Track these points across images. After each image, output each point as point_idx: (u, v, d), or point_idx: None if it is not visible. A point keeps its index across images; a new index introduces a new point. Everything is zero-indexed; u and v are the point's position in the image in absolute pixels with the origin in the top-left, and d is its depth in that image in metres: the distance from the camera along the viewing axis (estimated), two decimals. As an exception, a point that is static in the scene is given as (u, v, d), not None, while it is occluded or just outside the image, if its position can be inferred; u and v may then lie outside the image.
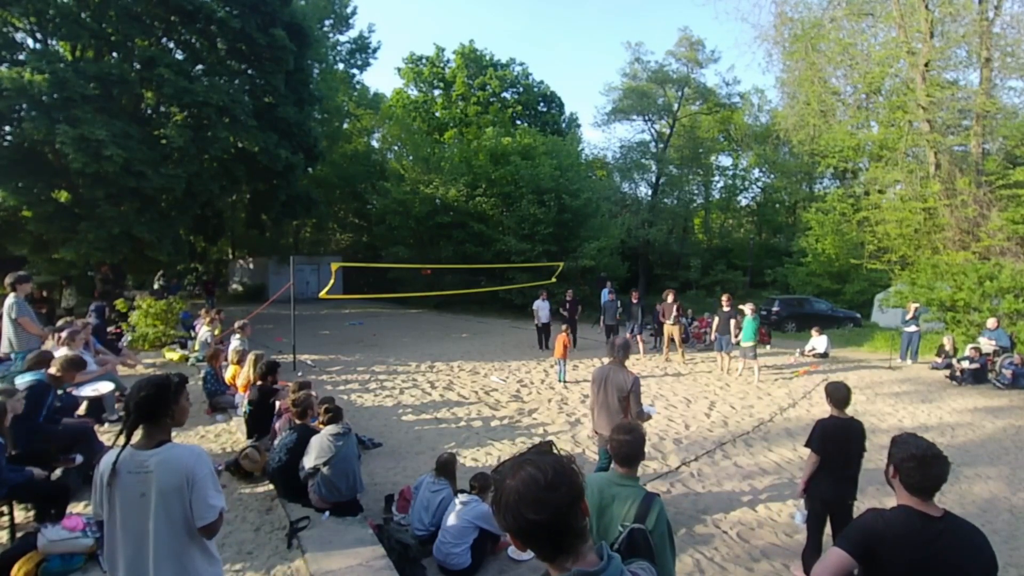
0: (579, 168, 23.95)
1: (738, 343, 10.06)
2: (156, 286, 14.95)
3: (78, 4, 12.18)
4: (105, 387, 5.66)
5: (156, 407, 1.97)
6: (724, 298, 10.61)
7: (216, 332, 9.60)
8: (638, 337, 12.51)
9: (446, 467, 4.16)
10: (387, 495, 4.60)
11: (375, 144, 34.10)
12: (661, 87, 33.77)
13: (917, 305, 12.46)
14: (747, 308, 9.94)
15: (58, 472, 4.18)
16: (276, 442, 4.60)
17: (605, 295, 13.89)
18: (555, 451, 1.03)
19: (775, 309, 17.91)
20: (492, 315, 20.18)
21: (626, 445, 2.33)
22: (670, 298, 11.65)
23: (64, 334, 5.80)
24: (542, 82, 32.30)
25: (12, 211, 13.43)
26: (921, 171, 16.10)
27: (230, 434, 6.10)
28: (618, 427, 2.45)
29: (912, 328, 11.98)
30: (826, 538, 3.62)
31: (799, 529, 4.24)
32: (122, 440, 1.95)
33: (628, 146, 35.61)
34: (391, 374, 9.70)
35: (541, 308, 12.89)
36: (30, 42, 13.30)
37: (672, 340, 11.62)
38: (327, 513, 4.10)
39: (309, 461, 4.19)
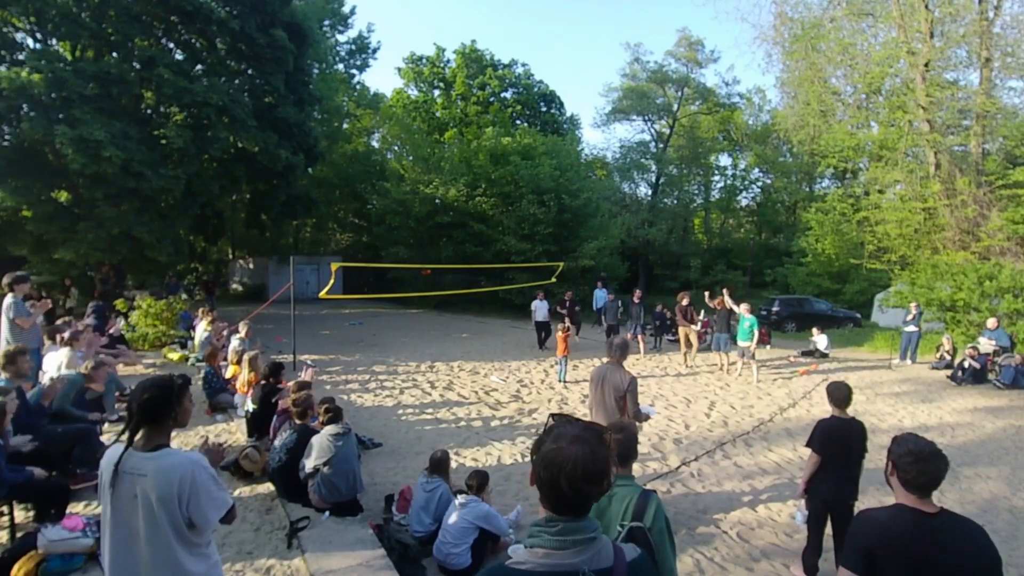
0: (579, 168, 23.93)
1: (733, 338, 10.07)
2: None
3: (78, 4, 12.18)
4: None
5: (159, 409, 1.96)
6: (719, 299, 10.67)
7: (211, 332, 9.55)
8: (639, 337, 12.52)
9: (440, 465, 4.15)
10: (387, 495, 4.60)
11: (375, 144, 34.08)
12: (661, 87, 33.78)
13: (916, 304, 12.46)
14: (743, 307, 9.95)
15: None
16: (276, 442, 4.60)
17: (602, 295, 13.90)
18: (606, 442, 1.23)
19: (775, 309, 17.91)
20: (492, 315, 20.17)
21: (617, 444, 2.31)
22: (684, 301, 11.42)
23: (67, 334, 5.81)
24: (542, 82, 32.30)
25: (12, 211, 13.43)
26: (921, 171, 16.11)
27: (230, 434, 6.09)
28: (610, 426, 2.45)
29: (912, 328, 11.98)
30: (826, 539, 3.62)
31: (799, 529, 4.25)
32: (125, 437, 1.95)
33: (628, 146, 35.71)
34: (391, 374, 9.69)
35: (539, 308, 12.91)
36: (30, 42, 13.30)
37: (688, 342, 11.26)
38: (327, 513, 4.11)
39: (310, 462, 4.19)
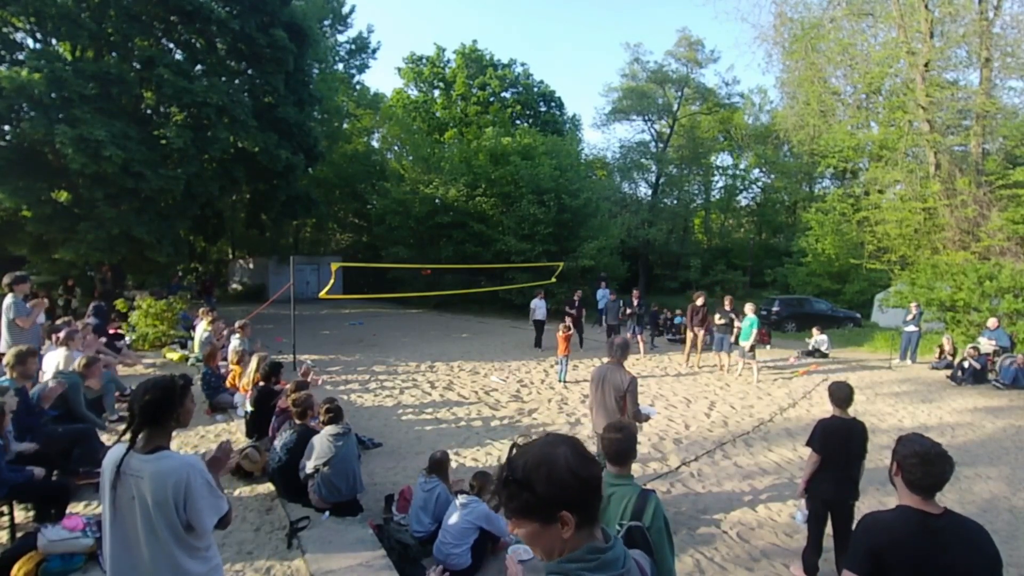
0: (579, 168, 23.94)
1: (736, 341, 10.10)
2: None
3: (78, 4, 12.17)
4: None
5: (161, 410, 1.97)
6: (727, 300, 10.67)
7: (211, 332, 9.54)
8: (638, 337, 12.52)
9: (439, 465, 4.15)
10: (387, 495, 4.59)
11: (375, 144, 34.10)
12: (661, 87, 33.80)
13: (916, 304, 12.45)
14: (747, 307, 9.99)
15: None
16: (276, 442, 4.60)
17: (603, 295, 13.90)
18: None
19: (775, 309, 17.90)
20: (492, 315, 20.17)
21: (616, 443, 2.32)
22: (700, 301, 11.11)
23: (63, 334, 5.80)
24: (542, 82, 32.30)
25: (12, 211, 13.43)
26: (921, 171, 16.11)
27: (230, 434, 6.08)
28: (609, 426, 2.45)
29: (912, 328, 11.98)
30: (827, 539, 3.62)
31: (799, 529, 4.24)
32: (127, 438, 1.95)
33: (628, 146, 35.73)
34: (391, 374, 9.69)
35: (538, 307, 12.92)
36: (30, 42, 13.30)
37: (694, 343, 11.15)
38: (327, 513, 4.10)
39: (310, 463, 4.19)
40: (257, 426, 5.38)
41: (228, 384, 7.16)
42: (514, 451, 1.13)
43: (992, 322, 11.19)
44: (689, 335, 11.22)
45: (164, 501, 1.88)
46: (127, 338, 10.51)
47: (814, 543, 3.62)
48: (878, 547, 1.84)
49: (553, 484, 1.04)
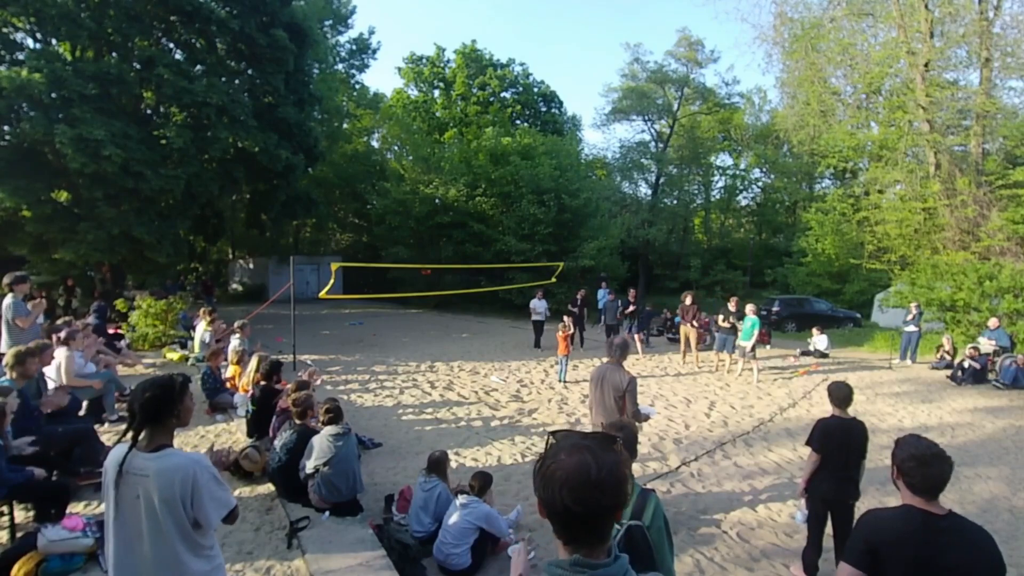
0: (579, 168, 23.92)
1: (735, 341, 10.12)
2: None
3: (78, 4, 12.17)
4: None
5: (161, 408, 1.97)
6: (732, 300, 10.68)
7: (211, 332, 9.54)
8: (636, 336, 12.52)
9: (438, 465, 4.15)
10: (387, 495, 4.60)
11: (375, 144, 34.08)
12: (660, 87, 33.78)
13: (916, 304, 12.45)
14: (748, 308, 10.00)
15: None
16: (276, 442, 4.60)
17: (603, 295, 13.92)
18: (616, 448, 1.02)
19: (775, 309, 17.91)
20: (492, 315, 20.17)
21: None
22: (688, 300, 11.43)
23: (63, 333, 5.80)
24: (542, 82, 32.30)
25: (12, 211, 13.43)
26: (921, 171, 16.12)
27: (230, 434, 6.09)
28: (609, 425, 2.47)
29: (912, 328, 11.98)
30: (827, 538, 3.62)
31: (799, 529, 4.24)
32: (129, 438, 1.96)
33: (628, 146, 35.68)
34: (391, 374, 9.69)
35: (537, 307, 12.92)
36: (30, 42, 13.30)
37: (688, 341, 11.26)
38: (327, 513, 4.10)
39: (310, 463, 4.19)
40: (258, 425, 5.38)
41: (228, 384, 7.16)
42: (567, 435, 1.08)
43: (992, 322, 11.19)
44: (683, 333, 11.34)
45: (171, 498, 1.88)
46: (127, 338, 10.51)
47: (814, 543, 3.62)
48: (877, 542, 1.84)
49: (543, 488, 1.03)
